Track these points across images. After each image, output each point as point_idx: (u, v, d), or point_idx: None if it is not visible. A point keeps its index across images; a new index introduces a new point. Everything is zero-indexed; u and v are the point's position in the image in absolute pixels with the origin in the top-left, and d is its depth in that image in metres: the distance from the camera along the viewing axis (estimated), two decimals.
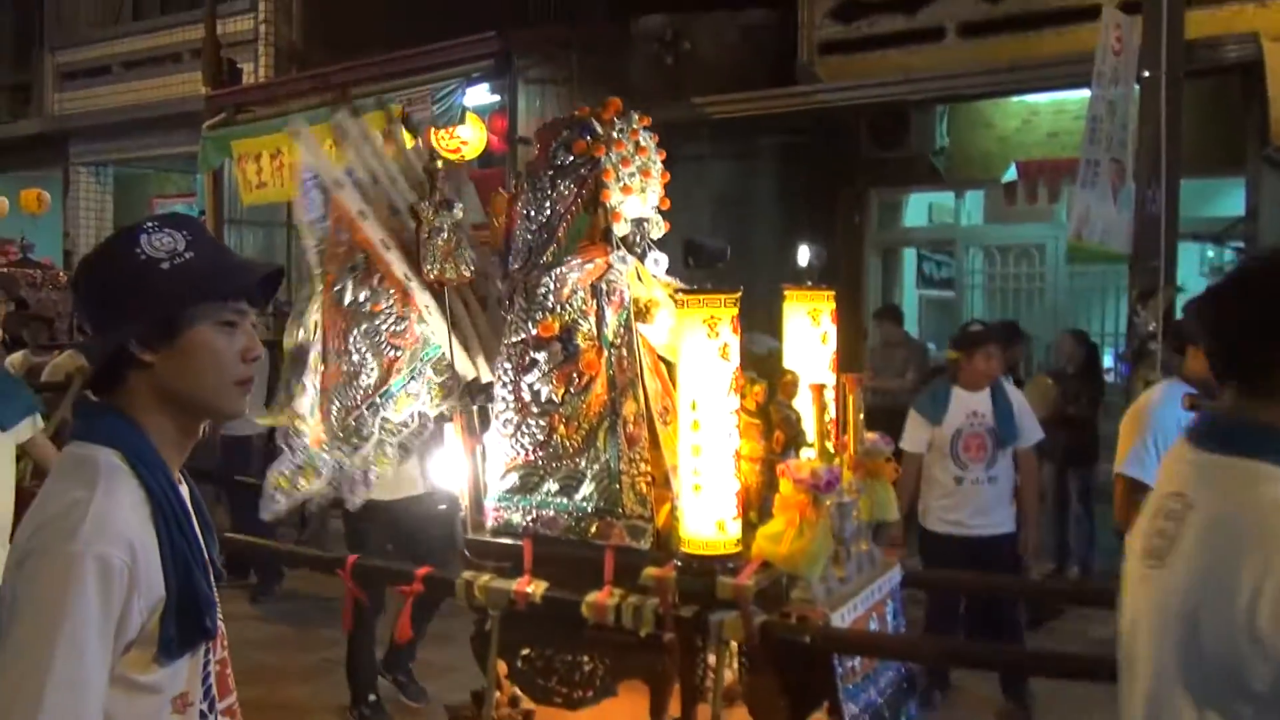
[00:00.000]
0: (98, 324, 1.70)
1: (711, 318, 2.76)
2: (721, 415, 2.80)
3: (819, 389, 3.10)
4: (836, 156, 10.35)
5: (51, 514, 1.55)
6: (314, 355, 3.43)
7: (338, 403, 3.35)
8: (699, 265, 3.00)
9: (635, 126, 3.25)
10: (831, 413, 3.21)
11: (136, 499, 1.59)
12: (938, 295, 11.43)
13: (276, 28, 11.91)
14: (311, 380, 3.42)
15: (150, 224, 1.70)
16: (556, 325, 3.06)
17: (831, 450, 3.08)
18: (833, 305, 3.36)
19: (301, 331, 3.47)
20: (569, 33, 9.73)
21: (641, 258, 3.25)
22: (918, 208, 11.25)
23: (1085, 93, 7.31)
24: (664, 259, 3.32)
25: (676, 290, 2.96)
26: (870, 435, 3.31)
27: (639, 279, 3.19)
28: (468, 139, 9.22)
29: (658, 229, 3.32)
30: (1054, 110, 9.67)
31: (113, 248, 1.70)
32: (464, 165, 10.11)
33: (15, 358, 6.45)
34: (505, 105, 9.47)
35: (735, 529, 2.82)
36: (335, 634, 5.05)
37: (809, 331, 3.28)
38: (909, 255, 11.32)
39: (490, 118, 9.43)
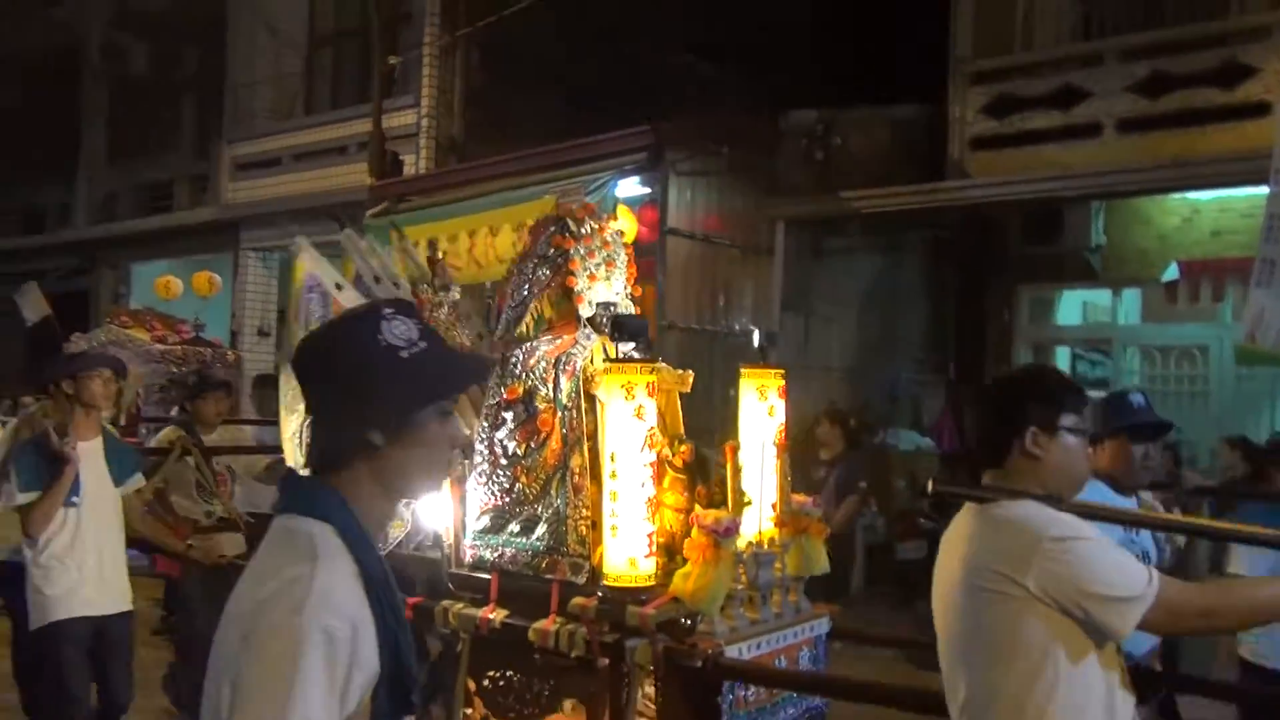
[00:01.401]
0: (331, 404, 1.71)
1: (628, 383, 3.26)
2: (635, 466, 3.25)
3: (733, 449, 3.51)
4: (986, 252, 10.23)
5: (275, 587, 1.56)
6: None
7: None
8: (621, 340, 3.47)
9: (603, 224, 3.81)
10: (770, 474, 3.63)
11: (352, 574, 1.61)
12: (1092, 396, 11.06)
13: (438, 122, 12.41)
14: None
15: (387, 310, 1.72)
16: (520, 389, 3.59)
17: (743, 502, 3.47)
18: (781, 383, 3.78)
19: (295, 417, 3.97)
20: (720, 127, 9.88)
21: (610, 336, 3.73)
22: (1071, 305, 10.98)
23: (1252, 190, 7.08)
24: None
25: (607, 361, 3.44)
26: (799, 497, 3.77)
27: (605, 353, 3.61)
28: (618, 229, 9.39)
29: (627, 310, 3.81)
30: (1218, 208, 9.38)
31: (354, 331, 1.72)
32: None
33: (165, 432, 6.69)
34: (656, 197, 9.63)
35: (647, 566, 3.26)
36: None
37: (758, 405, 3.70)
38: (1062, 354, 11.02)
39: (640, 209, 9.61)
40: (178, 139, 17.14)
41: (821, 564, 3.77)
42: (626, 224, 9.38)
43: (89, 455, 4.81)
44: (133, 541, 5.36)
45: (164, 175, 16.67)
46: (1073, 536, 2.29)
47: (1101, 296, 10.63)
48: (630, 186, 9.66)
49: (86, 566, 4.76)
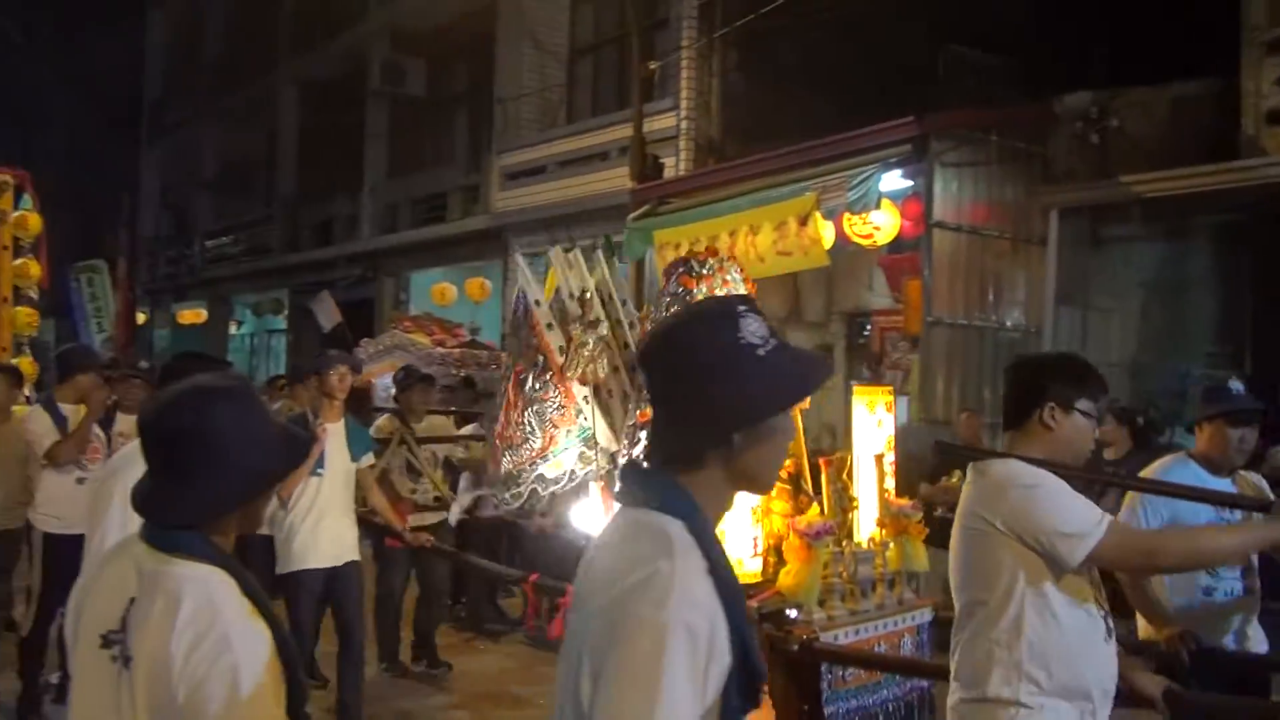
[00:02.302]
0: (687, 402, 1.70)
1: None
2: None
3: (827, 462, 4.11)
4: None
5: (636, 580, 1.57)
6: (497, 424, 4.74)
7: (510, 457, 4.66)
8: None
9: (724, 264, 4.31)
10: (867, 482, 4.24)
11: (704, 570, 1.60)
12: None
13: (696, 123, 12.55)
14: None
15: (741, 306, 1.71)
16: (650, 413, 4.10)
17: (840, 508, 4.04)
18: (889, 399, 4.30)
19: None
20: (988, 115, 9.55)
21: None
22: None
23: None
24: None
25: None
26: (898, 501, 4.23)
27: None
28: (881, 224, 9.22)
29: None
30: None
31: (713, 328, 1.70)
32: (874, 251, 10.13)
33: (382, 421, 7.55)
34: (919, 190, 9.41)
35: (753, 565, 3.88)
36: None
37: (868, 418, 4.17)
38: None
39: (904, 202, 9.40)
40: (451, 152, 18.10)
41: (921, 562, 4.18)
42: (889, 218, 9.21)
43: (333, 435, 5.82)
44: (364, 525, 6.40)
45: (439, 187, 17.61)
46: (1036, 484, 2.75)
47: None
48: (892, 180, 9.46)
49: (323, 525, 5.78)
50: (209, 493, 2.02)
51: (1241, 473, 4.26)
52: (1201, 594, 4.14)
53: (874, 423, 4.22)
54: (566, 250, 5.07)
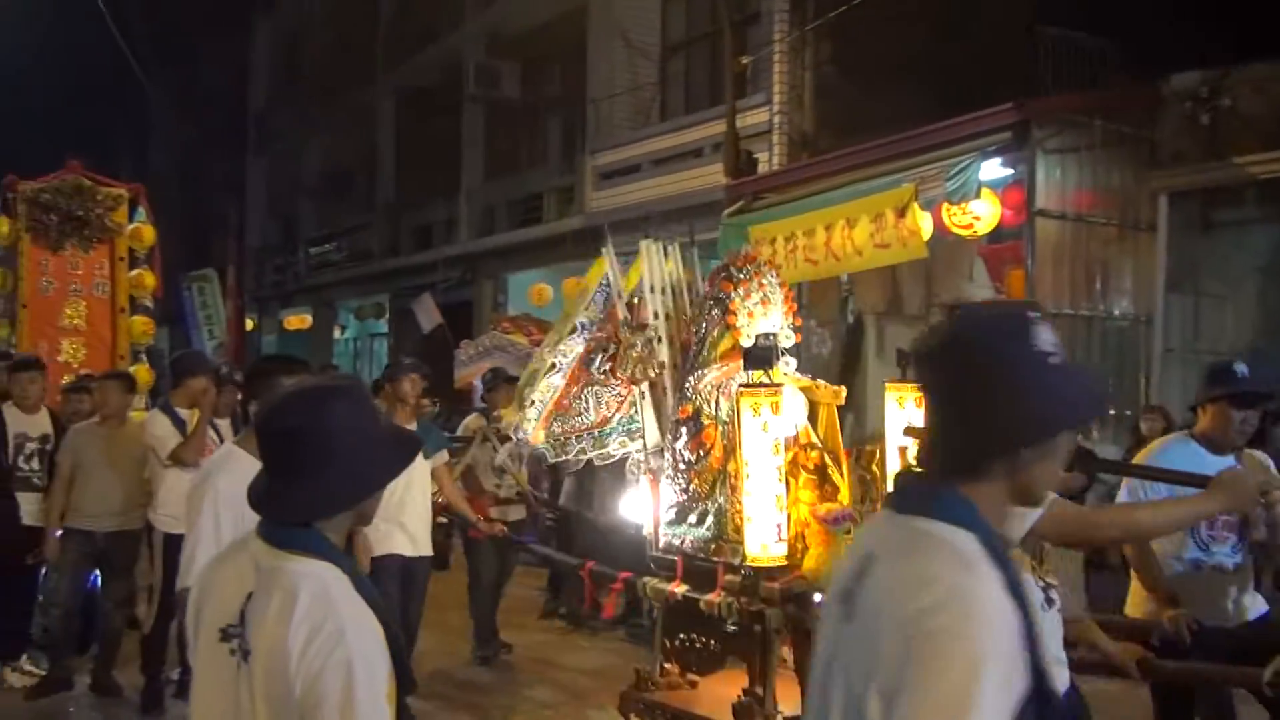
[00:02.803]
0: (977, 408, 1.63)
1: (755, 403, 4.03)
2: (764, 469, 4.02)
3: (848, 452, 4.33)
4: None
5: (937, 597, 1.49)
6: (549, 383, 5.05)
7: (560, 424, 5.00)
8: (751, 367, 4.13)
9: (761, 269, 4.53)
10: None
11: (1002, 585, 1.52)
12: None
13: (789, 118, 12.46)
14: (541, 399, 5.07)
15: (1032, 313, 1.65)
16: (690, 409, 4.44)
17: (860, 496, 4.24)
18: (919, 395, 4.20)
19: (539, 363, 5.18)
20: (1091, 98, 9.32)
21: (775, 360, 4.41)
22: None
23: None
24: (793, 360, 4.56)
25: (740, 385, 4.15)
26: None
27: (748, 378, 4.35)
28: (981, 214, 9.05)
29: (787, 340, 4.52)
30: None
31: (1009, 334, 1.64)
32: (974, 241, 9.95)
33: (469, 419, 8.04)
34: (1020, 178, 9.21)
35: (778, 550, 4.04)
36: None
37: (898, 413, 4.26)
38: None
39: (1004, 191, 9.22)
40: (545, 154, 18.25)
41: None
42: (989, 207, 9.03)
43: None
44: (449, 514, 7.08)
45: (534, 189, 17.76)
46: None
47: None
48: (992, 168, 9.28)
49: (399, 520, 6.09)
50: (323, 491, 2.07)
51: (1248, 451, 4.38)
52: (1192, 568, 4.29)
53: (904, 418, 4.27)
54: (658, 242, 5.15)
